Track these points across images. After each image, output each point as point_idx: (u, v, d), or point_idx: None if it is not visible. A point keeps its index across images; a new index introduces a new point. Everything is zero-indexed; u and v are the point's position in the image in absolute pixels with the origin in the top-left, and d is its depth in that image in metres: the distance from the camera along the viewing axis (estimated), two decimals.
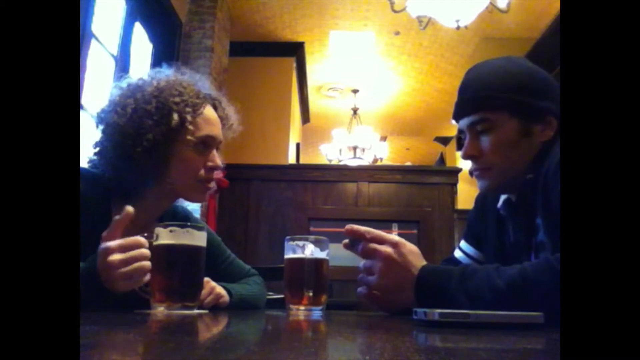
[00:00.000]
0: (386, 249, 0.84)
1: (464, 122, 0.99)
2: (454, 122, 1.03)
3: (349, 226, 0.88)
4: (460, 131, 1.02)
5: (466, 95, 0.99)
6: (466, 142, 0.99)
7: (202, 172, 1.01)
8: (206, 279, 0.96)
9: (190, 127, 0.98)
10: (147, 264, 0.78)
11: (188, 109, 0.98)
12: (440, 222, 3.75)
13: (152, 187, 1.01)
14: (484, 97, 0.95)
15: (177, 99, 0.98)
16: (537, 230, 0.92)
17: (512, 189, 1.00)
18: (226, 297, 1.02)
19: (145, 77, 1.03)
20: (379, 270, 0.84)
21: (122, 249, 0.76)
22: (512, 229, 1.01)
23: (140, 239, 0.79)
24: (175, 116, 0.96)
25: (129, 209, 0.80)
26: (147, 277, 0.78)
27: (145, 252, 0.78)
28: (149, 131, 0.94)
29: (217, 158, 1.03)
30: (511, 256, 0.98)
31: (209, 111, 1.04)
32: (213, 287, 0.99)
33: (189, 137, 0.98)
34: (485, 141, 0.96)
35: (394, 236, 0.86)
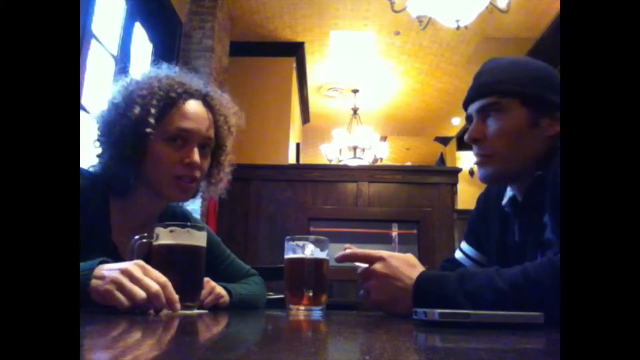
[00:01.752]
0: (375, 266, 0.86)
1: (474, 106, 0.99)
2: (464, 111, 1.04)
3: (337, 256, 0.90)
4: (468, 117, 1.02)
5: (480, 81, 1.00)
6: (472, 125, 0.99)
7: (178, 168, 0.96)
8: (206, 279, 0.96)
9: (152, 120, 0.95)
10: (143, 295, 0.70)
11: (154, 102, 0.96)
12: (440, 222, 3.75)
13: (142, 183, 1.00)
14: (496, 81, 0.97)
15: (144, 92, 0.96)
16: (545, 228, 0.91)
17: (516, 183, 0.99)
18: (226, 297, 1.02)
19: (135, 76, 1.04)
20: (373, 287, 0.86)
21: (144, 271, 0.73)
22: (518, 228, 1.00)
23: (163, 278, 0.74)
24: (137, 109, 0.95)
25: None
26: (126, 303, 0.70)
27: (154, 287, 0.71)
28: (117, 123, 0.96)
29: (195, 154, 0.97)
30: (514, 255, 0.97)
31: (189, 106, 0.99)
32: (213, 287, 0.99)
33: (160, 130, 0.96)
34: (492, 125, 0.96)
35: (380, 252, 0.87)
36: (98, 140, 1.00)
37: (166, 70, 1.04)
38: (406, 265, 0.85)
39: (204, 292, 0.95)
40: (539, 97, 0.94)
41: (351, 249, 0.92)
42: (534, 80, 0.95)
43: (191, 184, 0.99)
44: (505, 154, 0.95)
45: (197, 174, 0.99)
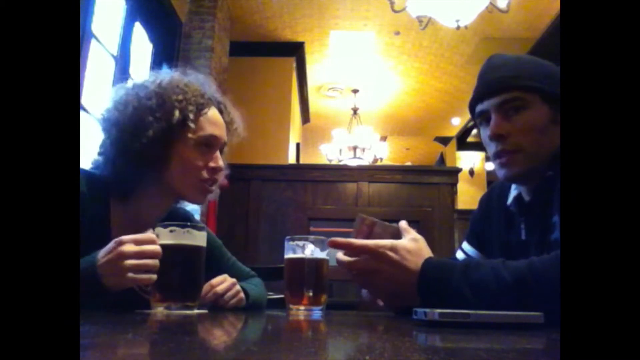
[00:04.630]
0: (379, 259, 0.82)
1: (492, 101, 0.95)
2: (469, 112, 1.01)
3: (330, 241, 0.86)
4: (480, 114, 0.98)
5: (497, 75, 0.96)
6: (494, 121, 0.94)
7: (204, 172, 0.99)
8: (232, 279, 1.00)
9: (193, 125, 0.97)
10: (157, 262, 0.78)
11: (191, 107, 0.97)
12: (440, 222, 3.74)
13: (152, 186, 0.99)
14: (518, 76, 0.94)
15: (179, 97, 0.97)
16: (553, 228, 0.90)
17: (531, 182, 0.97)
18: (244, 298, 1.04)
19: (148, 77, 1.03)
20: (378, 279, 0.84)
21: (136, 242, 0.76)
22: (525, 227, 0.99)
23: (153, 236, 0.79)
24: (177, 113, 0.95)
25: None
26: (154, 277, 0.77)
27: (157, 249, 0.78)
28: (149, 127, 0.93)
29: (219, 160, 1.01)
30: (518, 255, 0.97)
31: (213, 112, 1.03)
32: (239, 291, 1.02)
33: (190, 136, 0.97)
34: (516, 121, 0.93)
35: (383, 243, 0.83)
36: (104, 142, 0.98)
37: (191, 76, 1.06)
38: (410, 254, 0.82)
39: (230, 293, 0.98)
40: (556, 94, 0.92)
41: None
42: (550, 77, 0.93)
43: (212, 187, 1.02)
44: (532, 150, 0.92)
45: (219, 177, 1.03)
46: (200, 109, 0.99)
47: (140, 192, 1.00)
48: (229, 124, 1.08)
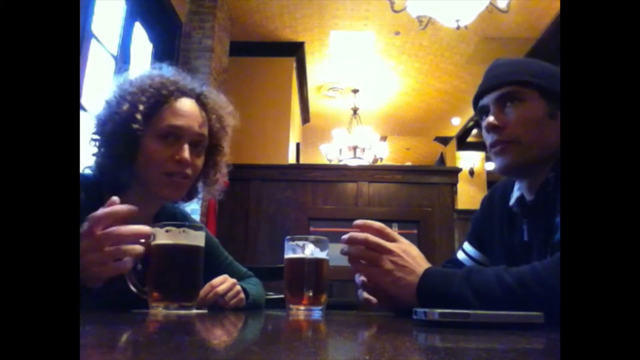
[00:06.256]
0: (388, 255, 0.84)
1: (492, 96, 0.98)
2: (473, 110, 1.04)
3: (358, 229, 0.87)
4: (481, 109, 1.01)
5: (497, 72, 1.00)
6: (491, 112, 0.98)
7: (170, 165, 0.96)
8: (233, 280, 1.00)
9: (155, 117, 0.96)
10: (134, 247, 0.76)
11: (144, 99, 0.96)
12: (440, 222, 3.75)
13: (137, 184, 1.00)
14: (516, 72, 0.97)
15: (134, 89, 0.97)
16: (556, 229, 0.90)
17: (527, 182, 0.98)
18: (244, 299, 1.04)
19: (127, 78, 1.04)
20: (379, 275, 0.84)
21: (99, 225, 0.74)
22: (527, 229, 0.99)
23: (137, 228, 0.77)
24: (126, 106, 0.95)
25: (114, 198, 0.79)
26: (131, 263, 0.76)
27: (130, 229, 0.76)
28: (108, 121, 0.96)
29: (185, 151, 0.97)
30: (521, 256, 0.97)
31: (181, 103, 1.00)
32: (239, 291, 1.01)
33: (151, 127, 0.96)
34: (512, 113, 0.96)
35: (393, 243, 0.85)
36: (93, 139, 1.00)
37: (163, 70, 1.05)
38: (420, 258, 0.84)
39: (231, 293, 0.98)
40: (555, 92, 0.94)
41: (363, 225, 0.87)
42: (551, 76, 0.96)
43: (183, 180, 0.99)
44: (527, 141, 0.94)
45: (189, 171, 0.99)
46: (161, 100, 0.98)
47: (130, 190, 1.00)
48: (209, 114, 1.04)
